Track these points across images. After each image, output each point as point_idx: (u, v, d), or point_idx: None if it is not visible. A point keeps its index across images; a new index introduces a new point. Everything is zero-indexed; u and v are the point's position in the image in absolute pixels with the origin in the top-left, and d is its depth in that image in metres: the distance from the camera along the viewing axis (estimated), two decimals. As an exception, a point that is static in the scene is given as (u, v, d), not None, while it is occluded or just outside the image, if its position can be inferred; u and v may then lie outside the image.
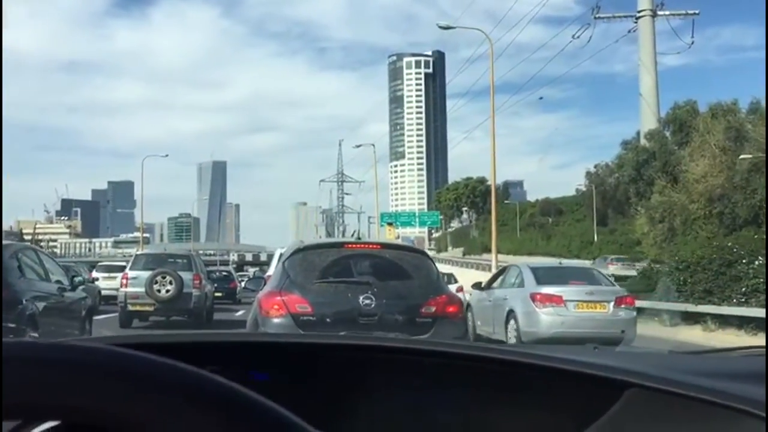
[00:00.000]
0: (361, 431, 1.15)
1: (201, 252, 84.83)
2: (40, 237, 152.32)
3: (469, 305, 11.71)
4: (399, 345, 1.29)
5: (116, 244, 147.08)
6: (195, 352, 1.18)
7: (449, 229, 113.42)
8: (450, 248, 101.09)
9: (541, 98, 72.73)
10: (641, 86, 53.58)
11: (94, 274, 22.55)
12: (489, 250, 78.74)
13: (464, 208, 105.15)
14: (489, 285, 12.20)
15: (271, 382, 1.15)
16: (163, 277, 13.93)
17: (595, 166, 57.04)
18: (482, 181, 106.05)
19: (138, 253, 17.70)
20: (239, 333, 1.48)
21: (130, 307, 14.02)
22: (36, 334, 7.16)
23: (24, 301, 7.30)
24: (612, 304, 10.43)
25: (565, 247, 60.48)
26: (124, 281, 14.39)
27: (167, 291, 13.83)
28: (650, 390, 0.99)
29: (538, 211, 77.02)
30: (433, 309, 5.58)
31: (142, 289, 13.81)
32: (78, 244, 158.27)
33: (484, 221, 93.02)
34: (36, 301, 7.58)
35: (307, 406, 1.01)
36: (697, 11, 53.10)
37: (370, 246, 6.36)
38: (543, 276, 11.03)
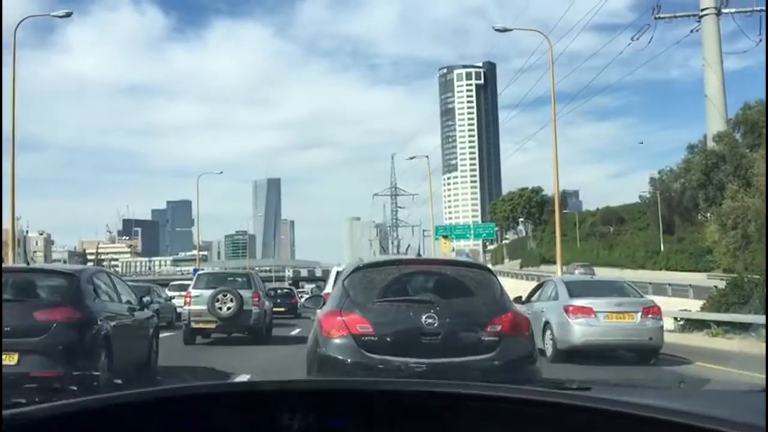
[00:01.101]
0: None
1: (257, 268, 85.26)
2: (102, 257, 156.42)
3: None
4: (485, 393, 1.23)
5: (175, 262, 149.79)
6: (274, 399, 1.18)
7: (504, 241, 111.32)
8: (506, 260, 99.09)
9: (641, 143, 68.78)
10: (707, 87, 51.13)
11: (168, 293, 23.56)
12: (547, 261, 76.87)
13: (520, 219, 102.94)
14: (528, 299, 12.83)
15: (353, 430, 1.13)
16: (224, 295, 14.38)
17: (659, 172, 54.68)
18: (538, 191, 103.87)
19: (200, 272, 18.21)
20: (322, 380, 1.24)
21: (194, 325, 14.49)
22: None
23: (99, 322, 7.64)
24: (639, 314, 11.24)
25: (629, 257, 58.06)
26: (188, 299, 14.88)
27: (228, 308, 14.26)
28: None
29: (599, 219, 74.40)
30: (499, 328, 5.32)
31: (205, 307, 14.27)
32: (138, 263, 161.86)
33: (542, 232, 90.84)
34: (109, 321, 7.91)
35: None
36: (763, 8, 50.65)
37: (431, 263, 6.28)
38: (575, 290, 11.97)
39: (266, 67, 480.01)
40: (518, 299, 12.43)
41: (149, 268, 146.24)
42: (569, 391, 1.28)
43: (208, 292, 14.51)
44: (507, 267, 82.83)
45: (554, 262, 73.49)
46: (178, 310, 19.31)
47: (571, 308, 11.29)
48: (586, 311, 11.19)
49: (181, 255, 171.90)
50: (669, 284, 28.40)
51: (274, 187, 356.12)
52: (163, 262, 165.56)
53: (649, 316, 11.36)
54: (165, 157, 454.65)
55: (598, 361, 10.87)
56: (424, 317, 5.21)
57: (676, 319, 18.55)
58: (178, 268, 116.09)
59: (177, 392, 1.29)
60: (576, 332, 11.12)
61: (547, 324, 11.47)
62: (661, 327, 11.62)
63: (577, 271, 46.47)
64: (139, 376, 8.26)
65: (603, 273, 47.01)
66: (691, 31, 50.32)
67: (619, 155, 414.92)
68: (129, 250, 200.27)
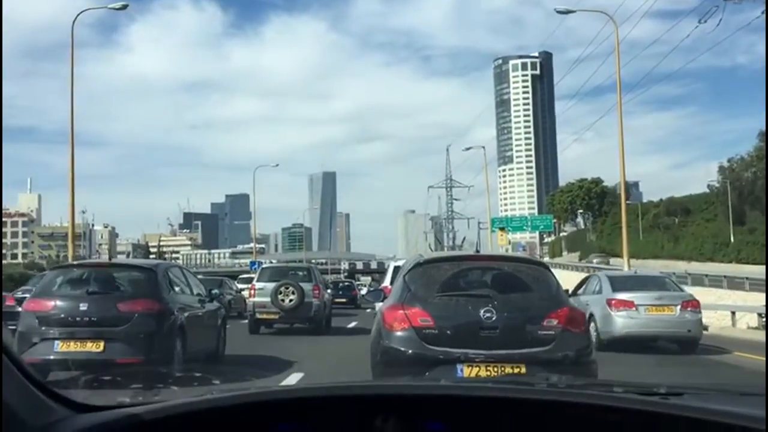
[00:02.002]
0: None
1: (313, 261, 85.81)
2: (164, 249, 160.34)
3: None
4: (577, 400, 1.23)
5: (233, 254, 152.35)
6: (368, 403, 1.21)
7: (563, 234, 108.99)
8: (564, 253, 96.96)
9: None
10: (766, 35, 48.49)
11: (238, 285, 24.67)
12: (608, 254, 74.63)
13: (579, 211, 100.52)
14: (575, 292, 13.12)
15: None
16: (287, 288, 15.07)
17: (729, 161, 52.26)
18: (598, 182, 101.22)
19: (264, 266, 18.92)
20: (413, 385, 1.28)
21: (258, 316, 15.25)
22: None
23: (175, 312, 8.21)
24: (679, 307, 11.92)
25: (696, 249, 55.72)
26: (252, 292, 15.68)
27: (290, 300, 14.95)
28: None
29: (663, 211, 71.73)
30: (555, 322, 5.47)
31: (268, 299, 14.95)
32: (198, 256, 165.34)
33: (602, 224, 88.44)
34: (182, 312, 8.47)
35: None
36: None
37: (489, 259, 6.47)
38: (618, 284, 12.68)
39: (321, 61, 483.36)
40: (565, 293, 12.59)
41: (209, 261, 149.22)
42: (659, 397, 1.25)
43: (271, 285, 15.16)
44: (565, 260, 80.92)
45: (615, 255, 71.46)
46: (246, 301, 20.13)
47: (613, 302, 12.00)
48: (628, 304, 11.88)
49: (239, 248, 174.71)
50: (747, 278, 26.89)
51: (329, 180, 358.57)
52: (221, 255, 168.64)
53: (688, 309, 12.00)
54: (223, 151, 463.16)
55: (641, 350, 11.41)
56: (482, 311, 5.38)
57: (760, 315, 17.38)
58: (237, 261, 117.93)
59: (272, 396, 1.32)
60: (618, 324, 11.83)
61: (591, 316, 11.81)
62: (700, 319, 12.36)
63: (595, 261, 54.69)
64: (210, 364, 8.96)
65: (668, 266, 45.33)
66: (762, 13, 47.80)
67: (681, 145, 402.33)
68: (189, 242, 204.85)
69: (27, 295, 10.09)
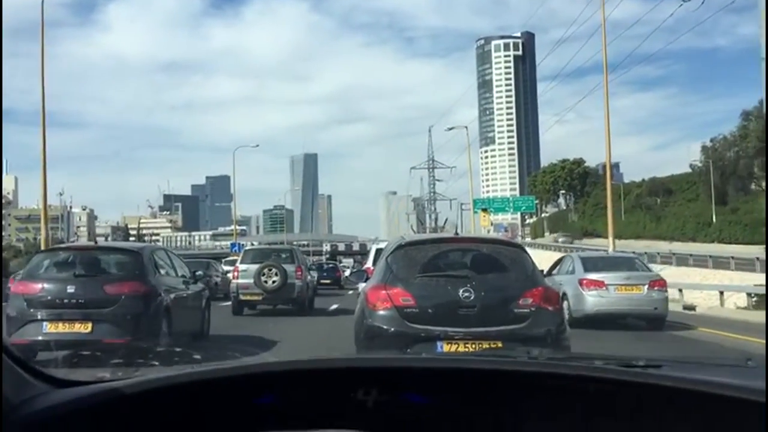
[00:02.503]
0: None
1: (295, 243, 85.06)
2: (144, 231, 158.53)
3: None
4: (557, 371, 1.26)
5: (214, 236, 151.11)
6: (350, 376, 1.22)
7: (544, 215, 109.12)
8: (547, 233, 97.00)
9: None
10: (762, 50, 48.34)
11: (224, 267, 24.88)
12: (590, 235, 74.88)
13: (561, 192, 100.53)
14: (549, 273, 13.30)
15: (428, 405, 1.15)
16: (270, 270, 15.15)
17: (712, 140, 52.11)
18: (579, 162, 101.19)
19: (247, 248, 18.94)
20: (395, 358, 1.38)
21: (242, 297, 15.38)
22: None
23: (161, 294, 8.39)
24: (646, 286, 12.52)
25: (679, 229, 55.75)
26: (236, 273, 15.79)
27: (273, 282, 15.08)
28: None
29: (645, 191, 71.74)
30: (531, 300, 5.68)
31: (252, 281, 15.09)
32: (178, 238, 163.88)
33: (584, 204, 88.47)
34: (168, 293, 8.67)
35: (464, 430, 1.09)
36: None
37: (468, 241, 6.75)
38: (590, 264, 13.29)
39: (303, 42, 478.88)
40: (540, 273, 13.11)
41: (189, 243, 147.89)
42: (639, 369, 1.28)
43: (255, 267, 15.29)
44: (548, 240, 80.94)
45: (597, 235, 71.48)
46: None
47: (585, 281, 12.61)
48: (599, 284, 12.49)
49: (221, 230, 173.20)
50: (732, 257, 26.66)
51: (311, 162, 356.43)
52: (202, 237, 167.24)
53: (655, 288, 12.62)
54: (204, 133, 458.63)
55: (611, 327, 12.00)
56: (461, 291, 5.58)
57: (749, 295, 17.07)
58: (218, 243, 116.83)
59: (253, 369, 1.32)
60: (589, 302, 12.44)
61: (564, 295, 12.22)
62: (666, 298, 12.94)
63: (560, 240, 58.52)
64: (194, 343, 8.99)
65: (650, 246, 45.25)
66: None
67: (661, 127, 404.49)
68: (170, 225, 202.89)
69: None
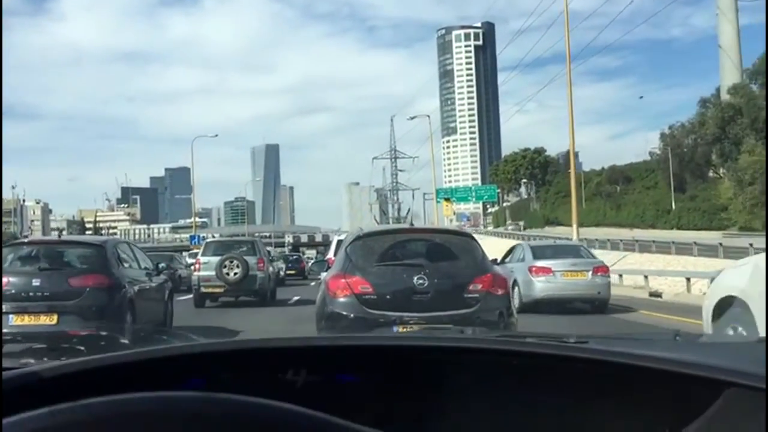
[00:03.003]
0: None
1: (257, 234, 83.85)
2: (100, 225, 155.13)
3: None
4: (486, 346, 1.30)
5: (174, 229, 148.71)
6: (284, 356, 1.23)
7: (506, 203, 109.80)
8: (509, 222, 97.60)
9: (641, 97, 67.14)
10: (721, 38, 49.04)
11: (189, 260, 24.79)
12: (551, 223, 75.51)
13: (523, 180, 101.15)
14: (503, 260, 14.08)
15: (359, 384, 1.16)
16: (231, 262, 15.19)
17: (671, 128, 52.64)
18: (540, 151, 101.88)
19: (208, 240, 19.25)
20: (325, 337, 1.50)
21: (203, 289, 15.36)
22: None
23: (124, 286, 8.56)
24: (590, 272, 13.30)
25: (638, 216, 56.46)
26: (197, 266, 15.73)
27: (235, 274, 15.12)
28: (750, 389, 0.94)
29: (605, 179, 72.54)
30: (480, 286, 6.00)
31: (213, 273, 15.08)
32: (137, 231, 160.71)
33: (545, 193, 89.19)
34: (132, 285, 8.82)
35: (396, 407, 1.10)
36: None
37: (422, 231, 7.21)
38: (539, 252, 13.97)
39: (263, 32, 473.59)
40: (494, 261, 13.72)
41: (148, 236, 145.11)
42: (568, 343, 1.30)
43: (216, 259, 15.32)
44: (511, 229, 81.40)
45: (559, 223, 71.84)
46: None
47: (534, 268, 13.30)
48: (546, 270, 13.19)
49: (181, 222, 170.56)
50: (695, 243, 26.80)
51: (272, 153, 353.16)
52: (161, 230, 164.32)
53: (599, 274, 13.40)
54: (163, 124, 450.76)
55: (558, 311, 12.64)
56: (415, 278, 5.93)
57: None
58: (177, 236, 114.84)
59: (184, 350, 1.30)
60: (537, 288, 13.11)
61: (515, 281, 13.00)
62: (608, 283, 13.70)
63: (510, 228, 61.63)
64: (157, 334, 8.44)
65: (610, 233, 45.63)
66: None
67: (619, 116, 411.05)
68: (128, 218, 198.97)
69: None
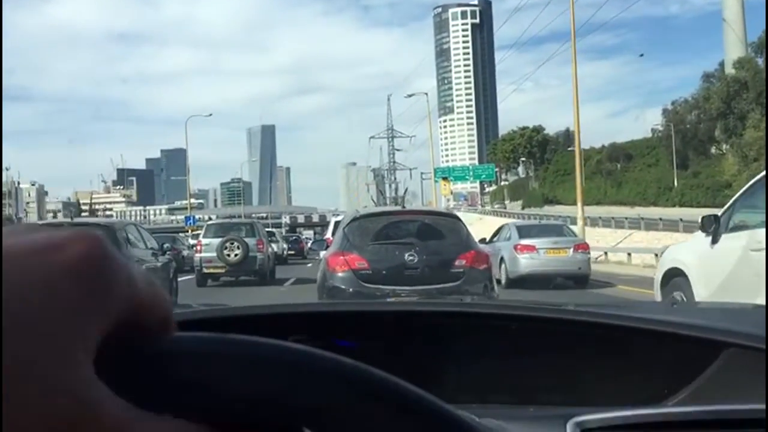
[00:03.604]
0: (450, 397, 1.18)
1: (254, 215, 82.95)
2: (96, 206, 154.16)
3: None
4: (481, 310, 1.31)
5: (170, 210, 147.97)
6: (282, 323, 1.24)
7: (504, 183, 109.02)
8: (507, 201, 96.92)
9: (641, 55, 66.04)
10: (725, 11, 48.04)
11: (191, 241, 25.47)
12: (551, 202, 74.77)
13: (521, 159, 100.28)
14: (491, 240, 15.57)
15: (357, 349, 1.17)
16: (231, 243, 15.74)
17: (673, 103, 51.74)
18: (539, 129, 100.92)
19: (209, 222, 19.83)
20: (323, 303, 1.60)
21: (205, 270, 15.95)
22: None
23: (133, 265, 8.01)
24: (572, 249, 14.19)
25: (640, 194, 55.73)
26: (199, 247, 16.32)
27: (235, 255, 15.66)
28: (750, 349, 0.95)
29: (605, 157, 71.65)
30: (464, 262, 6.61)
31: (215, 254, 15.63)
32: (133, 212, 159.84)
33: (544, 171, 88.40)
34: (139, 264, 9.35)
35: (395, 372, 1.18)
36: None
37: (412, 213, 7.70)
38: (524, 231, 14.94)
39: (258, 11, 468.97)
40: (483, 240, 15.04)
41: (144, 217, 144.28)
42: (567, 308, 1.32)
43: (217, 241, 15.81)
44: (509, 208, 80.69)
45: (558, 202, 70.97)
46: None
47: (519, 246, 14.15)
48: (530, 248, 14.03)
49: (177, 203, 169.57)
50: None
51: (268, 133, 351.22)
52: (158, 211, 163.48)
53: (579, 251, 14.30)
54: (158, 105, 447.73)
55: (542, 286, 13.35)
56: (406, 255, 6.55)
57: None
58: (173, 217, 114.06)
59: (179, 317, 1.23)
60: (522, 264, 13.98)
61: (502, 259, 14.34)
62: (588, 259, 14.64)
63: (496, 206, 65.29)
64: None
65: (611, 212, 44.97)
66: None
67: (617, 94, 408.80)
68: (124, 199, 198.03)
69: None
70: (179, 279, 13.47)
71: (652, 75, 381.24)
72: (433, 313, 1.27)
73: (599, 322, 1.12)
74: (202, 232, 17.66)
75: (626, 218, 33.30)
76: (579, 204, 26.61)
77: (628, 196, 57.21)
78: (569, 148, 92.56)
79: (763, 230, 5.12)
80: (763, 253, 4.94)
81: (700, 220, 6.16)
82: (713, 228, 5.81)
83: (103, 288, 0.29)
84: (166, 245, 11.45)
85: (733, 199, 5.93)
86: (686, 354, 1.01)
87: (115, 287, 0.30)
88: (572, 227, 37.13)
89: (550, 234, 14.91)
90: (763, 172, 5.45)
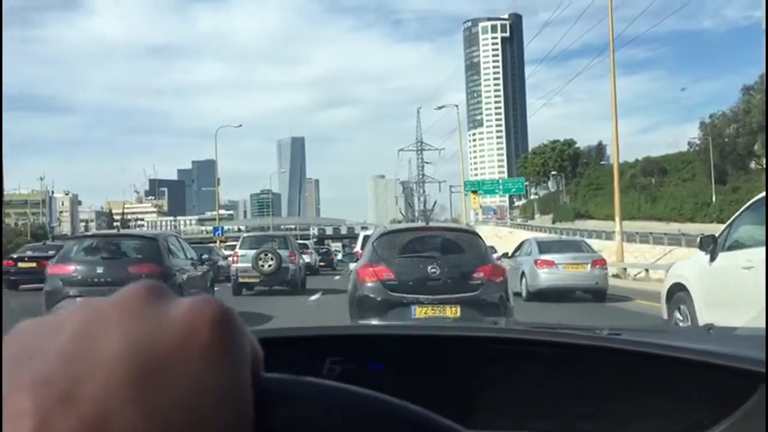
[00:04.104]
0: (487, 422, 1.14)
1: (282, 227, 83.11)
2: (128, 216, 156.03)
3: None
4: (515, 336, 1.31)
5: (200, 221, 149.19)
6: (316, 344, 1.25)
7: (533, 196, 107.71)
8: (537, 215, 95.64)
9: (683, 89, 63.90)
10: (764, 22, 46.75)
11: (225, 252, 27.18)
12: (582, 216, 73.49)
13: (552, 173, 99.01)
14: (513, 254, 16.30)
15: (388, 372, 1.17)
16: (266, 255, 16.73)
17: (711, 116, 50.44)
18: (570, 143, 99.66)
19: (245, 235, 21.12)
20: (357, 326, 1.73)
21: (241, 279, 16.93)
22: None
23: (175, 273, 9.67)
24: (589, 265, 14.76)
25: (676, 209, 54.36)
26: (235, 258, 17.30)
27: (269, 266, 16.62)
28: None
29: (639, 171, 70.22)
30: (482, 275, 7.14)
31: (250, 265, 16.56)
32: (164, 223, 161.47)
33: (576, 185, 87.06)
34: (180, 273, 10.02)
35: (426, 396, 1.07)
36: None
37: (436, 229, 8.24)
38: (544, 247, 15.52)
39: (290, 26, 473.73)
40: (505, 255, 16.36)
41: (174, 227, 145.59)
42: (601, 335, 1.29)
43: (252, 252, 16.78)
44: (537, 222, 79.50)
45: (590, 217, 69.69)
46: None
47: (539, 261, 14.74)
48: (550, 263, 14.62)
49: (207, 214, 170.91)
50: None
51: (298, 146, 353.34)
52: (188, 222, 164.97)
53: (597, 266, 14.88)
54: (190, 117, 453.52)
55: (562, 299, 13.96)
56: (429, 267, 7.06)
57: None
58: (203, 227, 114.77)
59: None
60: (541, 278, 14.55)
61: (523, 273, 15.00)
62: (606, 274, 15.25)
63: (518, 220, 66.20)
64: None
65: (646, 227, 43.86)
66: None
67: (647, 109, 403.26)
68: (155, 210, 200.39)
69: None
70: (217, 287, 14.06)
71: (683, 91, 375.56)
72: (468, 338, 1.26)
73: (637, 351, 1.10)
74: (238, 243, 18.72)
75: (665, 234, 32.30)
76: (617, 219, 25.85)
77: (663, 211, 55.87)
78: (601, 162, 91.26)
79: (754, 250, 5.71)
80: (753, 271, 5.51)
81: (698, 240, 6.73)
82: (711, 247, 6.42)
83: (241, 360, 0.30)
84: (204, 255, 12.13)
85: (730, 220, 6.52)
86: (725, 384, 0.98)
87: (246, 353, 0.31)
88: (607, 242, 36.34)
89: (569, 250, 15.42)
90: (760, 195, 6.00)
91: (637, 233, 33.52)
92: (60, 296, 9.10)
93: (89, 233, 13.51)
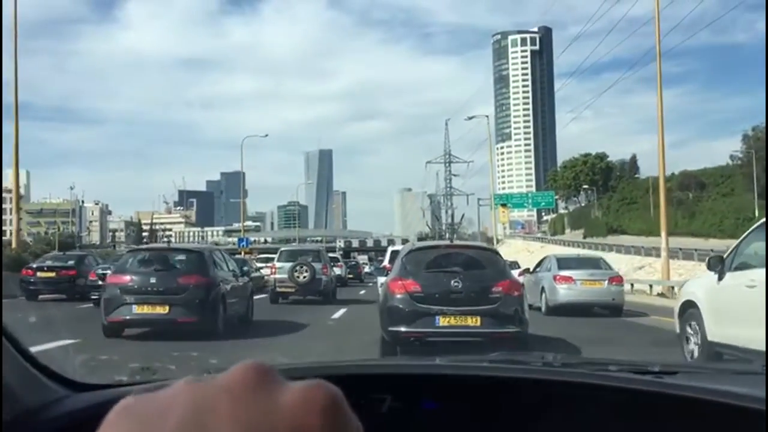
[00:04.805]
0: None
1: (309, 239, 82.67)
2: (157, 227, 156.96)
3: (523, 285, 15.22)
4: (567, 379, 1.30)
5: (227, 232, 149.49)
6: (369, 382, 1.24)
7: (563, 211, 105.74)
8: (568, 230, 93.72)
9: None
10: (766, 22, 44.91)
11: (257, 264, 28.77)
12: (614, 231, 71.49)
13: (584, 187, 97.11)
14: (534, 270, 17.10)
15: (442, 412, 1.17)
16: (301, 267, 18.26)
17: (754, 129, 48.58)
18: (602, 157, 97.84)
19: (282, 249, 22.37)
20: (409, 365, 1.64)
21: (278, 289, 18.46)
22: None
23: (219, 284, 10.59)
24: (607, 281, 15.54)
25: (715, 225, 52.36)
26: (273, 270, 19.03)
27: (304, 277, 18.14)
28: None
29: (676, 185, 68.15)
30: (500, 289, 7.88)
31: (286, 276, 18.16)
32: (191, 233, 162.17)
33: (608, 199, 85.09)
34: (224, 284, 10.88)
35: None
36: None
37: (459, 247, 9.24)
38: (563, 264, 16.22)
39: (319, 39, 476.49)
40: (526, 270, 17.58)
41: (202, 238, 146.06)
42: (653, 376, 1.28)
43: (288, 264, 18.41)
44: (568, 237, 77.66)
45: (623, 232, 67.66)
46: (265, 278, 24.02)
47: (558, 277, 15.41)
48: (569, 279, 15.31)
49: (235, 225, 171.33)
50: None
51: (325, 158, 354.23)
52: (215, 233, 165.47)
53: (614, 283, 15.60)
54: (220, 129, 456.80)
55: (580, 314, 14.47)
56: (452, 281, 7.91)
57: None
58: (230, 239, 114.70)
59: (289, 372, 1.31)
60: (560, 294, 15.22)
61: (542, 289, 15.69)
62: (622, 290, 15.96)
63: (539, 234, 62.96)
64: (242, 325, 11.45)
65: (686, 243, 42.11)
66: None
67: (678, 124, 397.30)
68: (183, 220, 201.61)
69: (107, 272, 12.58)
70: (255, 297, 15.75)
71: (717, 104, 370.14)
72: (519, 380, 1.25)
73: (691, 397, 1.08)
74: (276, 256, 20.47)
75: (712, 250, 30.68)
76: (663, 234, 24.62)
77: (702, 227, 53.90)
78: (635, 176, 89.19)
79: (757, 270, 6.05)
80: (756, 290, 5.89)
81: (707, 261, 7.14)
82: (719, 268, 6.82)
83: None
84: (246, 268, 13.10)
85: (737, 242, 6.86)
86: None
87: None
88: (648, 258, 34.48)
89: (587, 267, 16.19)
90: (762, 221, 6.34)
91: (680, 249, 32.00)
92: (118, 303, 10.02)
93: (143, 246, 14.72)
